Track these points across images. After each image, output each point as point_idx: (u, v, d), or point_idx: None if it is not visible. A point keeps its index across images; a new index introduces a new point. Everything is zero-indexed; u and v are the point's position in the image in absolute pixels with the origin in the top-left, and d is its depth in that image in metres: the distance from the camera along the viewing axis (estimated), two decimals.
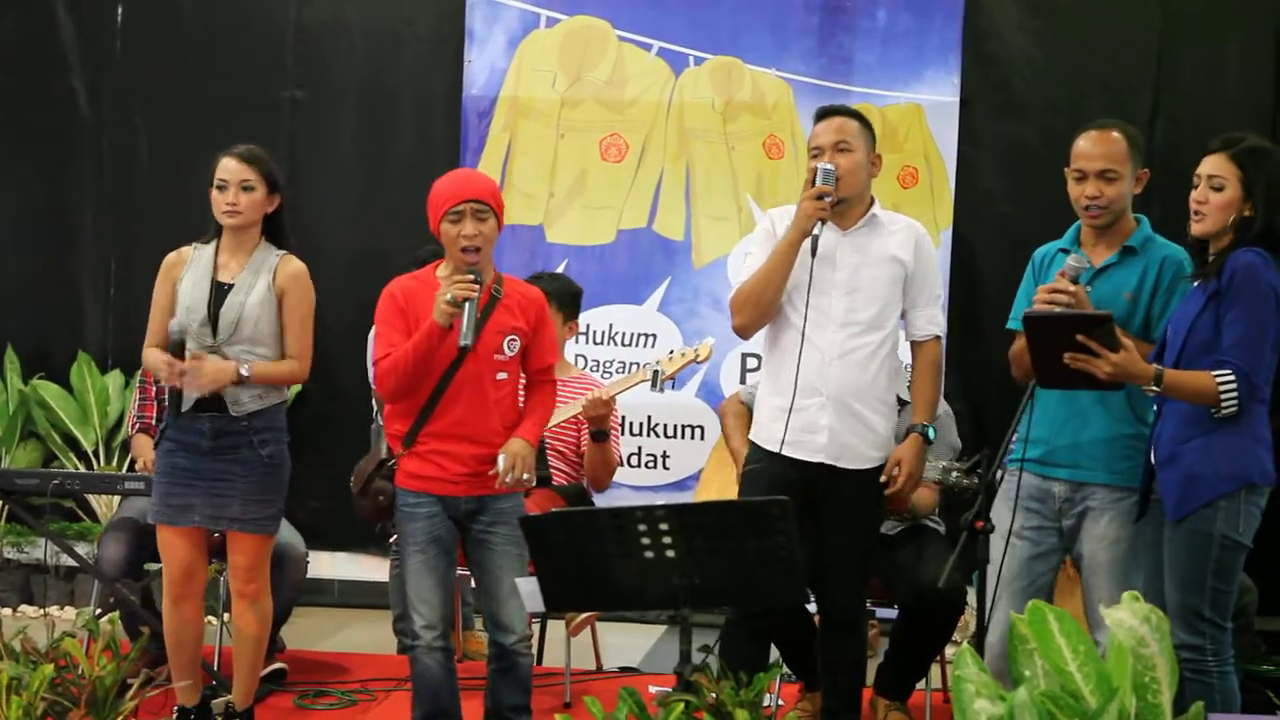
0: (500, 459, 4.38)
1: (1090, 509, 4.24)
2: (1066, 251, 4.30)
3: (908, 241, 4.55)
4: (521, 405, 4.61)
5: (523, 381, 4.62)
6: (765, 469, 4.52)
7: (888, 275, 4.51)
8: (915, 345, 4.63)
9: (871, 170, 4.54)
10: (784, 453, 4.47)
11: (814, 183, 4.37)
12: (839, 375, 4.46)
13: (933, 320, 4.60)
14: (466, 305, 4.29)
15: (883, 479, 4.48)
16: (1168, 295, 4.21)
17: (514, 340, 4.47)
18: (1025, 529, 4.29)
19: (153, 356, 4.70)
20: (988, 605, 4.15)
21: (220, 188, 4.63)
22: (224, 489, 4.60)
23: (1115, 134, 4.28)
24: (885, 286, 4.51)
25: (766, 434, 4.54)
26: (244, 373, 4.56)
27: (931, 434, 4.56)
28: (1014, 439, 4.17)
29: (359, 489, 4.59)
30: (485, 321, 4.40)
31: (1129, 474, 4.20)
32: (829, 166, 4.38)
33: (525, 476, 4.40)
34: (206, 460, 4.61)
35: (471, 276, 4.31)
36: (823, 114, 4.58)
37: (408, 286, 4.50)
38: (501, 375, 4.46)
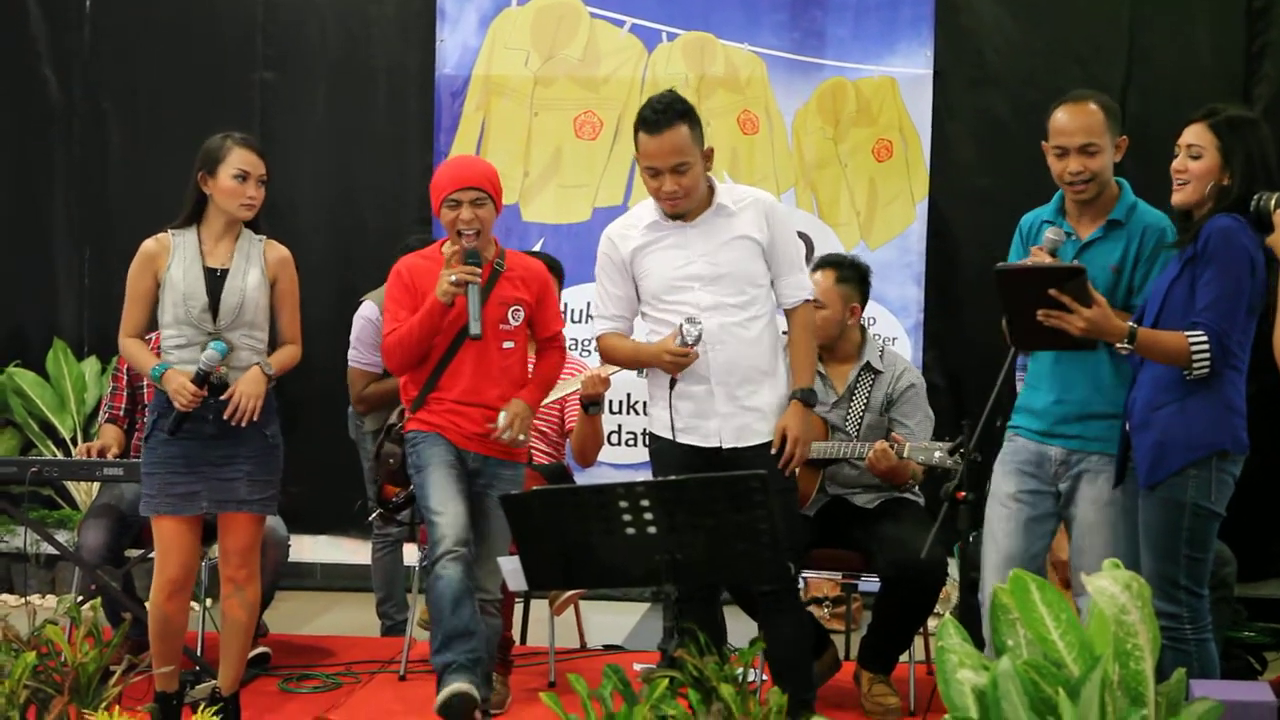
0: (501, 415, 4.54)
1: (1085, 471, 4.24)
2: (1050, 222, 4.30)
3: (757, 217, 4.52)
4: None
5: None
6: (668, 448, 4.53)
7: (744, 254, 4.49)
8: (788, 313, 4.62)
9: (706, 166, 4.49)
10: (679, 440, 4.48)
11: (680, 340, 4.35)
12: (722, 359, 4.45)
13: (800, 286, 4.59)
14: (470, 291, 4.41)
15: (773, 450, 4.46)
16: (1149, 264, 4.19)
17: (518, 310, 4.63)
18: (1022, 493, 4.29)
19: (132, 346, 4.67)
20: (984, 571, 4.17)
21: (240, 178, 4.58)
22: (228, 472, 4.59)
23: (1092, 105, 4.24)
24: (745, 264, 4.49)
25: (659, 423, 4.55)
26: (269, 372, 4.60)
27: (812, 399, 4.56)
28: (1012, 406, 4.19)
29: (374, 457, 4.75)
30: (489, 294, 4.54)
31: (1115, 440, 4.20)
32: (696, 330, 4.34)
33: (521, 437, 4.57)
34: (209, 445, 4.59)
35: (474, 263, 4.43)
36: (650, 127, 4.38)
37: (415, 265, 4.66)
38: (508, 344, 4.62)
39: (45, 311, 7.43)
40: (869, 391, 5.28)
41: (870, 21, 6.92)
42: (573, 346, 6.88)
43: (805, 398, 4.52)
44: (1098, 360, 4.20)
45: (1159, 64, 6.79)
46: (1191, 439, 4.00)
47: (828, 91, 6.94)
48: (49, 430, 7.13)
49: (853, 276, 5.34)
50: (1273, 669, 5.68)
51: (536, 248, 6.76)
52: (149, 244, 4.66)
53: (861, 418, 5.27)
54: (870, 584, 5.54)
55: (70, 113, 7.43)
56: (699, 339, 4.37)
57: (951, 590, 5.83)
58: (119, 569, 5.42)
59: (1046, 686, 2.34)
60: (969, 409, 4.36)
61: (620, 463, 6.89)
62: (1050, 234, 4.15)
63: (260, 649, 5.58)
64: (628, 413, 6.94)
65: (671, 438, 4.50)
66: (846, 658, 5.60)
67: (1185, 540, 3.99)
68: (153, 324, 4.71)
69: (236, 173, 4.58)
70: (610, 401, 6.79)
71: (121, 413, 5.69)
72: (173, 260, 4.61)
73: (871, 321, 6.62)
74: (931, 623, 5.22)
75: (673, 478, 3.79)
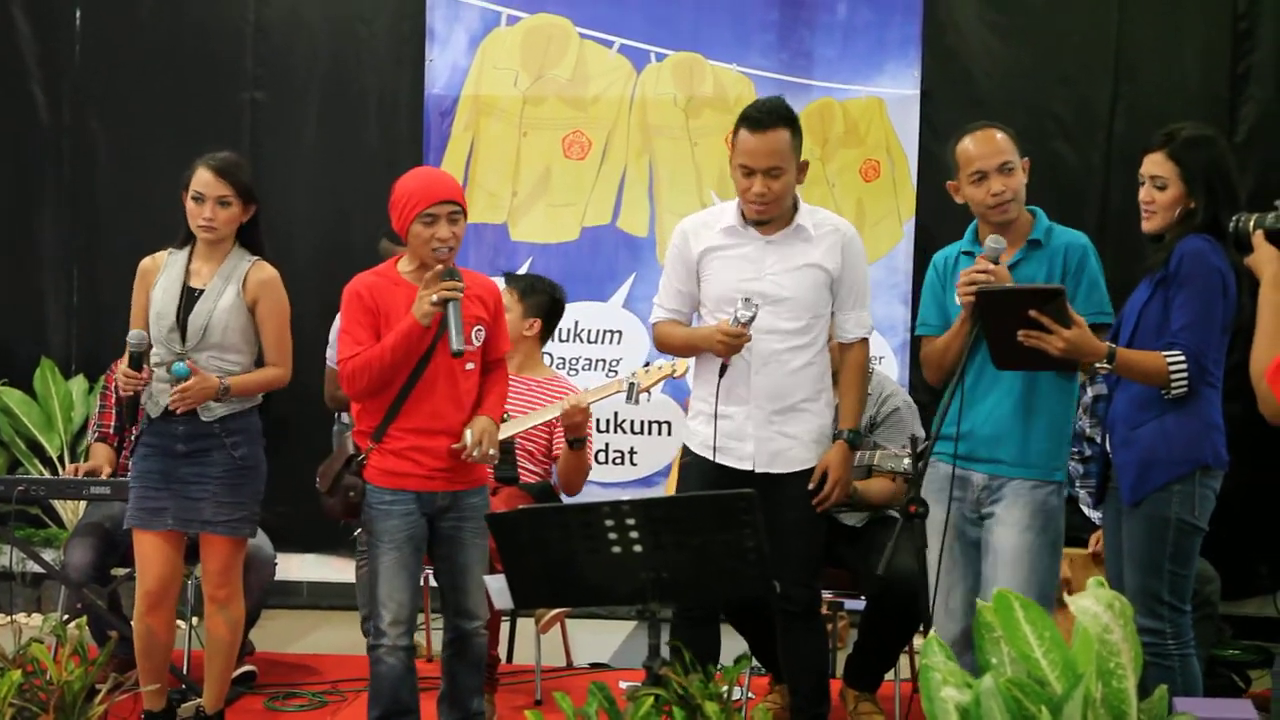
0: (467, 434, 4.39)
1: (1003, 498, 4.21)
2: (969, 254, 4.28)
3: (834, 247, 4.49)
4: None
5: None
6: (699, 463, 4.53)
7: (813, 281, 4.47)
8: (843, 347, 4.60)
9: (799, 178, 4.46)
10: (713, 459, 4.47)
11: (734, 320, 4.30)
12: (764, 384, 4.45)
13: (860, 323, 4.57)
14: (451, 309, 4.27)
15: (810, 486, 4.48)
16: (1076, 279, 4.18)
17: (480, 330, 4.48)
18: (954, 518, 4.27)
19: None
20: (931, 592, 4.18)
21: (197, 200, 4.59)
22: (195, 491, 4.59)
23: (998, 132, 4.30)
24: (811, 293, 4.47)
25: (697, 438, 4.55)
26: (223, 385, 4.56)
27: (858, 441, 4.57)
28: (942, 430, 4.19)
29: (327, 487, 4.53)
30: None
31: (1044, 467, 4.19)
32: (750, 312, 4.28)
33: (491, 452, 4.42)
34: (180, 463, 4.59)
35: (454, 280, 4.29)
36: (754, 125, 4.37)
37: (374, 284, 4.47)
38: (470, 365, 4.47)
39: (33, 330, 7.40)
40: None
41: (858, 42, 6.94)
42: (560, 365, 6.89)
43: (852, 440, 4.54)
44: (1012, 385, 4.18)
45: (1146, 85, 6.81)
46: (1174, 455, 4.03)
47: (815, 112, 6.96)
48: (36, 449, 7.11)
49: None
50: (1257, 686, 5.68)
51: (524, 268, 6.77)
52: (145, 261, 4.71)
53: None
54: (856, 602, 5.55)
55: (59, 131, 7.42)
56: (753, 320, 4.29)
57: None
58: (105, 587, 5.41)
59: (1030, 704, 2.35)
60: None
61: (607, 481, 6.88)
62: (990, 242, 4.12)
63: (246, 667, 5.57)
64: (614, 431, 6.94)
65: (707, 456, 4.48)
66: (833, 675, 5.60)
67: (1169, 555, 4.02)
68: None
69: (193, 194, 4.59)
70: (598, 420, 6.77)
71: (111, 430, 5.69)
72: (159, 278, 4.63)
73: None
74: (917, 641, 5.23)
75: (658, 496, 3.80)
